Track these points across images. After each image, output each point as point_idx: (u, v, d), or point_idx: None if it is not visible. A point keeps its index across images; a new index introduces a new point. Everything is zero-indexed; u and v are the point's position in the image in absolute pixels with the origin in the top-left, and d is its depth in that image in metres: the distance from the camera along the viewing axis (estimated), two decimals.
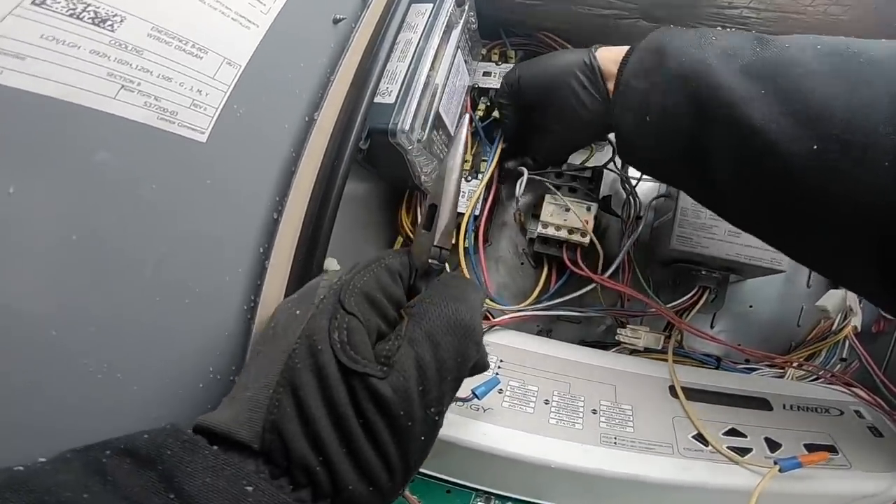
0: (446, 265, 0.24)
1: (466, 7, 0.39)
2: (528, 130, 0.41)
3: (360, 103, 0.29)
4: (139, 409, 0.20)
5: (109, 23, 0.17)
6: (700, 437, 0.34)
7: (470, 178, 0.45)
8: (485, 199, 0.45)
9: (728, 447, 0.33)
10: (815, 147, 0.23)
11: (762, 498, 0.29)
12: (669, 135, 0.30)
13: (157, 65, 0.19)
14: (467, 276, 0.43)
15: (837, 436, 0.35)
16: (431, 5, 0.36)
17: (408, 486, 0.33)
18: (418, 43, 0.35)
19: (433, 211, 0.22)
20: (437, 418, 0.19)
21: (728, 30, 0.30)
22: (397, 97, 0.34)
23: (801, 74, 0.24)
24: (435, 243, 0.22)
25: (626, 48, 0.34)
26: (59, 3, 0.17)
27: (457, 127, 0.21)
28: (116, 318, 0.19)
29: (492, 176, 0.46)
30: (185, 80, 0.20)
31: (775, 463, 0.31)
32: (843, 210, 0.23)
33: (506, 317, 0.42)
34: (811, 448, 0.34)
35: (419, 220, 0.45)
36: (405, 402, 0.17)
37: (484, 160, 0.46)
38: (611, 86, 0.35)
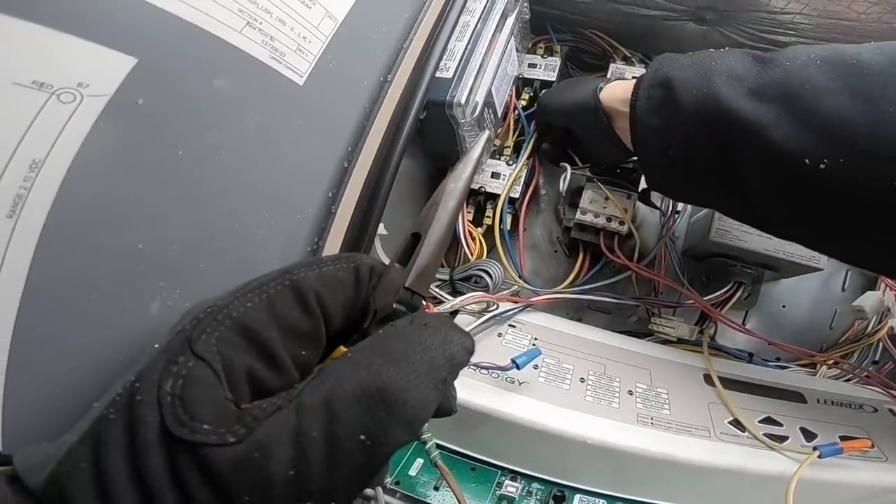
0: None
1: None
2: (567, 143, 0.43)
3: (426, 71, 0.31)
4: None
5: None
6: (737, 423, 0.34)
7: (511, 162, 0.46)
8: (526, 184, 0.46)
9: (764, 434, 0.33)
10: (842, 161, 0.24)
11: (798, 485, 0.29)
12: (698, 165, 0.30)
13: (277, 8, 0.20)
14: (504, 260, 0.44)
15: (872, 431, 0.35)
16: None
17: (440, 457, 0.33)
18: (475, 26, 0.37)
19: (415, 241, 0.18)
20: None
21: (722, 50, 0.31)
22: (454, 73, 0.36)
23: (813, 94, 0.25)
24: (407, 284, 0.17)
25: (630, 84, 0.34)
26: None
27: (472, 144, 0.19)
28: (198, 239, 0.20)
29: (532, 161, 0.47)
30: (295, 26, 0.21)
31: (814, 449, 0.31)
32: (888, 216, 0.24)
33: (539, 298, 0.43)
34: (846, 440, 0.33)
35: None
36: (254, 484, 0.12)
37: (521, 139, 0.47)
38: (622, 124, 0.35)
